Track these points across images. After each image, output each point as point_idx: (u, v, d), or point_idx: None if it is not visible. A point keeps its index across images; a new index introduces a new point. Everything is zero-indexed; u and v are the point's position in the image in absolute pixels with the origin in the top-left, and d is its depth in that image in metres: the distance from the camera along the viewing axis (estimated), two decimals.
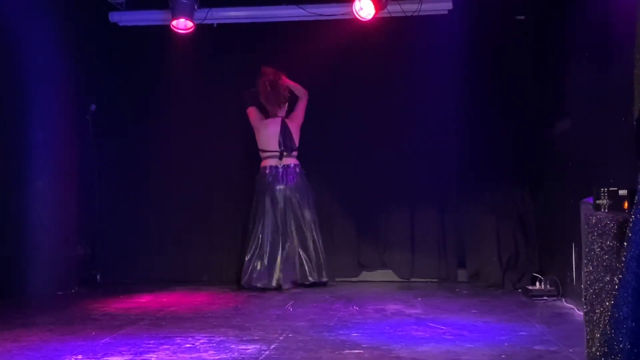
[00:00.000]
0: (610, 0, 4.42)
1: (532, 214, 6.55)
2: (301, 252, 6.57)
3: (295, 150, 6.71)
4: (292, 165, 6.70)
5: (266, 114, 6.79)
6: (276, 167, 6.66)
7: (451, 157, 6.84)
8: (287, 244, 6.56)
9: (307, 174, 6.79)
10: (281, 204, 6.60)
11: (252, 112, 6.78)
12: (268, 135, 6.69)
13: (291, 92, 6.74)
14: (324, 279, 6.62)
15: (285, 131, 6.68)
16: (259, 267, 6.48)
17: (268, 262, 6.49)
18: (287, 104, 6.78)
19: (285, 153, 6.66)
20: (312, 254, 6.59)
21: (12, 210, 6.13)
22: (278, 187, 6.63)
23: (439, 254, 6.82)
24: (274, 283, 6.45)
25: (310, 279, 6.54)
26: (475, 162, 6.70)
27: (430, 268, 6.83)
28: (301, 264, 6.56)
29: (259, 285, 6.41)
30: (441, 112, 6.81)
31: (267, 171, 6.67)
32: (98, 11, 6.78)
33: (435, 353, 3.83)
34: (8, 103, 6.12)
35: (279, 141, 6.66)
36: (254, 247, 6.55)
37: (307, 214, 6.66)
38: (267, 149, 6.69)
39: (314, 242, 6.63)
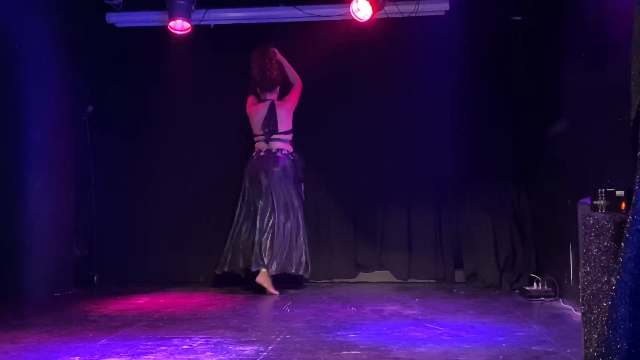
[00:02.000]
0: (606, 0, 4.43)
1: (529, 214, 6.56)
2: (264, 239, 6.25)
3: (281, 134, 6.49)
4: (274, 149, 6.47)
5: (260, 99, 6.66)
6: (259, 151, 6.50)
7: (448, 157, 6.85)
8: (255, 229, 6.29)
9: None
10: (258, 189, 6.38)
11: (249, 101, 6.65)
12: (258, 119, 6.53)
13: (285, 75, 6.56)
14: (293, 272, 6.31)
15: (271, 114, 6.47)
16: (229, 253, 6.39)
17: (234, 247, 6.37)
18: (278, 87, 6.58)
19: (269, 136, 6.46)
20: (279, 242, 6.24)
21: (9, 211, 6.12)
22: (260, 172, 6.41)
23: (436, 254, 6.82)
24: (238, 269, 6.32)
25: (257, 267, 6.16)
26: (472, 163, 6.71)
27: (427, 269, 6.84)
28: (259, 250, 6.21)
29: (224, 270, 6.37)
30: (438, 113, 6.82)
31: (253, 154, 6.54)
32: (95, 12, 6.78)
33: (432, 354, 3.83)
34: (5, 104, 6.11)
35: (262, 124, 6.48)
36: (230, 232, 6.46)
37: (287, 200, 6.38)
38: (256, 133, 6.57)
39: (292, 229, 6.33)
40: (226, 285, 6.59)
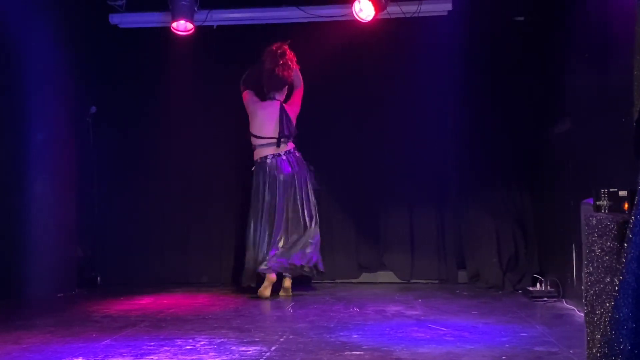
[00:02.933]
0: (609, 0, 4.43)
1: (532, 214, 6.56)
2: (296, 240, 6.23)
3: (293, 137, 6.38)
4: (292, 149, 6.35)
5: (262, 97, 6.44)
6: (278, 154, 6.30)
7: (450, 158, 6.84)
8: (287, 233, 6.22)
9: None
10: (285, 192, 6.24)
11: (247, 95, 6.43)
12: (264, 119, 6.30)
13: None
14: (313, 272, 6.32)
15: (284, 116, 6.27)
16: (259, 258, 6.16)
17: (267, 251, 6.15)
18: (286, 88, 6.43)
19: (283, 140, 6.27)
20: (303, 243, 6.23)
21: (12, 212, 6.13)
22: (282, 176, 6.25)
23: (438, 255, 6.82)
24: (269, 269, 6.11)
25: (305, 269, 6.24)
26: (474, 163, 6.71)
27: (430, 269, 6.83)
28: (295, 252, 6.21)
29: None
30: (441, 113, 6.82)
31: (269, 161, 6.30)
32: (98, 13, 6.78)
33: (435, 354, 3.83)
34: (8, 105, 6.13)
35: (278, 127, 6.25)
36: (255, 242, 6.23)
37: (306, 203, 6.30)
38: (263, 135, 6.30)
39: (306, 229, 6.26)
40: (231, 285, 6.61)
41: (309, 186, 6.37)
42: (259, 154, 6.37)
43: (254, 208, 6.33)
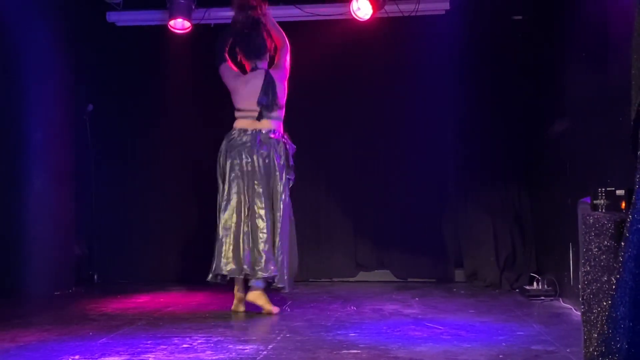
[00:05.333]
0: (607, 0, 4.43)
1: (529, 213, 6.57)
2: (251, 242, 5.19)
3: (279, 109, 5.35)
4: (264, 131, 5.24)
5: (242, 68, 5.55)
6: (245, 130, 5.26)
7: (448, 156, 6.84)
8: (243, 228, 5.21)
9: (298, 153, 5.59)
10: (244, 179, 5.20)
11: (225, 70, 5.50)
12: (248, 91, 5.32)
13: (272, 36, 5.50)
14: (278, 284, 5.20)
15: (268, 85, 5.28)
16: (222, 252, 5.26)
17: (229, 247, 5.23)
18: (268, 54, 5.47)
19: (265, 112, 5.28)
20: (265, 247, 5.13)
21: (10, 210, 6.13)
22: (244, 159, 5.21)
23: (436, 254, 6.82)
24: (238, 272, 5.21)
25: (260, 274, 5.11)
26: (472, 162, 6.71)
27: (427, 268, 6.83)
28: (252, 256, 5.17)
29: (223, 272, 5.21)
30: (438, 112, 6.82)
31: (236, 135, 5.27)
32: (95, 11, 6.78)
33: (432, 353, 3.84)
34: (5, 103, 6.12)
35: (259, 97, 5.27)
36: (220, 229, 5.30)
37: (274, 196, 5.25)
38: (244, 108, 5.33)
39: (272, 233, 5.20)
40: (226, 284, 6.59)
41: (279, 185, 5.27)
42: (234, 125, 5.40)
43: (221, 190, 5.38)
